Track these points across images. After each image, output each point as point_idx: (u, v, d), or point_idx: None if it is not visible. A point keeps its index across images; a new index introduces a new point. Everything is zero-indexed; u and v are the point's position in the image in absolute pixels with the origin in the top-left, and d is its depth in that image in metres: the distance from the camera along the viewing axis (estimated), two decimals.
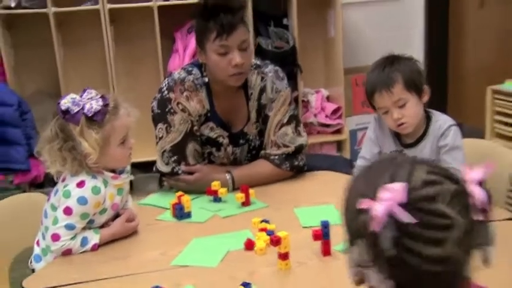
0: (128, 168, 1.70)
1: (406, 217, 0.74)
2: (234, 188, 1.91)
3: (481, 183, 0.80)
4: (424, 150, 1.81)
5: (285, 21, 3.58)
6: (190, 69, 1.96)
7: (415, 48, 4.14)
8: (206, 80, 1.93)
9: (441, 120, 1.82)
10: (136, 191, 3.56)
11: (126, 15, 3.46)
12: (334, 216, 1.64)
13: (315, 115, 3.65)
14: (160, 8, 3.32)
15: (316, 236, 1.45)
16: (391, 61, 1.76)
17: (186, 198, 1.76)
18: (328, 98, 3.77)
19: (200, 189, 1.89)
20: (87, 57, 3.52)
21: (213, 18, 1.81)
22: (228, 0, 1.84)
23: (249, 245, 1.50)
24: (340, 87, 3.64)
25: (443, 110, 4.10)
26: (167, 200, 1.83)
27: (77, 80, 3.51)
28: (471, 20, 3.90)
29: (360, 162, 1.93)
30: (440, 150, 1.79)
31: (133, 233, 1.66)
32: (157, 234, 1.68)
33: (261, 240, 1.50)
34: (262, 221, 1.62)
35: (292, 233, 1.43)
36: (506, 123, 2.71)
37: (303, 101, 3.65)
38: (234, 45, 1.82)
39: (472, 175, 0.80)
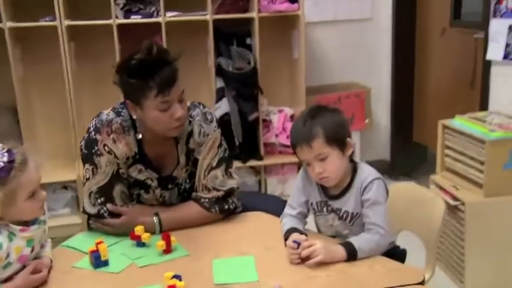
0: (42, 217, 1.66)
1: None
2: (162, 231, 1.90)
3: None
4: (348, 202, 1.80)
5: (248, 40, 3.55)
6: (119, 110, 1.93)
7: (381, 67, 4.12)
8: (139, 136, 1.89)
9: (365, 173, 1.79)
10: None
11: (87, 32, 3.43)
12: (249, 271, 1.64)
13: (276, 135, 3.64)
14: (120, 26, 3.29)
15: None
16: (313, 114, 1.74)
17: (103, 247, 1.74)
18: (292, 117, 3.75)
19: (126, 232, 1.87)
20: (48, 74, 3.50)
21: (151, 76, 1.73)
22: (164, 54, 1.77)
23: None
24: (302, 107, 3.61)
25: (409, 132, 4.12)
26: (89, 243, 1.80)
27: (37, 95, 3.51)
28: (434, 46, 3.87)
29: (287, 210, 1.92)
30: (363, 203, 1.78)
31: (44, 283, 1.62)
32: (69, 285, 1.66)
33: None
34: (174, 277, 1.60)
35: None
36: (455, 159, 2.69)
37: (265, 120, 3.64)
38: (175, 99, 1.78)
39: None
